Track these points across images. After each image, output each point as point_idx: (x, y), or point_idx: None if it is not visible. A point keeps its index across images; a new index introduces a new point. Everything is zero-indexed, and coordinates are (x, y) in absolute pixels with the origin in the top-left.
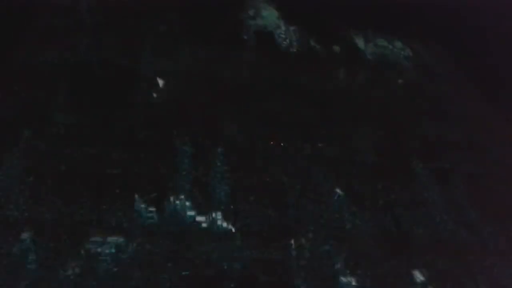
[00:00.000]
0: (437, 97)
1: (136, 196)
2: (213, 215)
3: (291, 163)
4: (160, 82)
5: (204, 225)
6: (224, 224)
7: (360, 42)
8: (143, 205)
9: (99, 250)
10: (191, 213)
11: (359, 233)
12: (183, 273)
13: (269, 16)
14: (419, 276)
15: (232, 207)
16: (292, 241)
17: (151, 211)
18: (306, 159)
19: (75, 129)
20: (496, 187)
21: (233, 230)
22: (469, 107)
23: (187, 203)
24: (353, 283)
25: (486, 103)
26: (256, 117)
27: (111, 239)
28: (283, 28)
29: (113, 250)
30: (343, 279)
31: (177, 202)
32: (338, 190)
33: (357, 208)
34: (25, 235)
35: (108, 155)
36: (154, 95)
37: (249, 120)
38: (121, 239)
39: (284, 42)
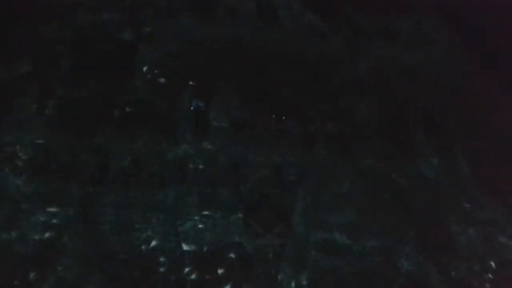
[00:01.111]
0: (437, 70)
1: None
2: None
3: (290, 137)
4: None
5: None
6: None
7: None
8: None
9: None
10: None
11: (357, 202)
12: None
13: None
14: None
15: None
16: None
17: None
18: (306, 133)
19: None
20: (497, 160)
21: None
22: (469, 80)
23: None
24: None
25: (487, 76)
26: (256, 90)
27: None
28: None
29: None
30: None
31: None
32: None
33: (358, 180)
34: None
35: (108, 129)
36: (155, 71)
37: (248, 94)
38: None
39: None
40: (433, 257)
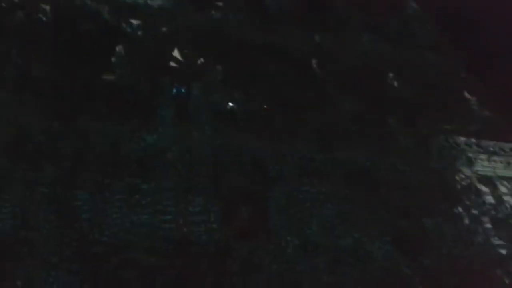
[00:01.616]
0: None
1: None
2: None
3: (275, 128)
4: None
5: None
6: None
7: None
8: None
9: None
10: None
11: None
12: None
13: None
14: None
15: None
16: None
17: None
18: (288, 123)
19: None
20: None
21: None
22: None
23: None
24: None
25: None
26: (240, 79)
27: None
28: None
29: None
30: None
31: None
32: None
33: (336, 171)
34: None
35: (91, 107)
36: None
37: (231, 82)
38: None
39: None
40: (408, 251)
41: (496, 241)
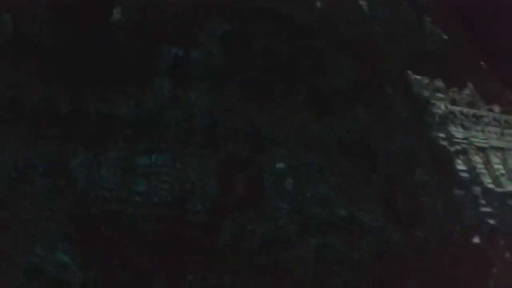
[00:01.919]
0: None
1: None
2: None
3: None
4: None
5: None
6: None
7: None
8: None
9: None
10: None
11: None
12: None
13: None
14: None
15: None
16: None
17: None
18: (284, 89)
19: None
20: None
21: None
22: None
23: None
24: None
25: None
26: (239, 44)
27: None
28: None
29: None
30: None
31: None
32: None
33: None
34: None
35: (87, 71)
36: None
37: (229, 46)
38: None
39: None
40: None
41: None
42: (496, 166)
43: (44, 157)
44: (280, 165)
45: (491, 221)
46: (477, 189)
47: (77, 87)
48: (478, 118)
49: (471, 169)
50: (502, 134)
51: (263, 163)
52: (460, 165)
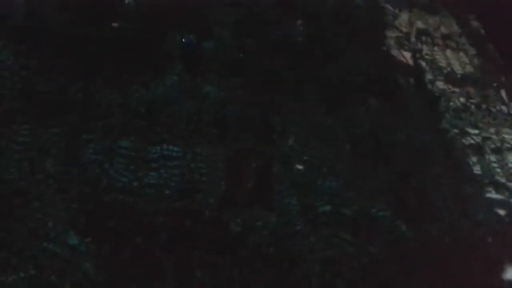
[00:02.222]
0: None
1: None
2: None
3: (282, 81)
4: None
5: None
6: None
7: None
8: None
9: None
10: None
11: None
12: None
13: None
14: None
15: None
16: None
17: None
18: (297, 78)
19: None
20: None
21: None
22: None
23: None
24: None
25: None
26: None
27: None
28: None
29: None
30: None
31: None
32: None
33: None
34: None
35: (99, 59)
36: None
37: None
38: None
39: None
40: (408, 216)
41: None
42: (510, 163)
43: (56, 146)
44: (291, 160)
45: (503, 216)
46: (489, 184)
47: (88, 75)
48: (492, 113)
49: (484, 164)
50: None
51: (273, 155)
52: (473, 160)
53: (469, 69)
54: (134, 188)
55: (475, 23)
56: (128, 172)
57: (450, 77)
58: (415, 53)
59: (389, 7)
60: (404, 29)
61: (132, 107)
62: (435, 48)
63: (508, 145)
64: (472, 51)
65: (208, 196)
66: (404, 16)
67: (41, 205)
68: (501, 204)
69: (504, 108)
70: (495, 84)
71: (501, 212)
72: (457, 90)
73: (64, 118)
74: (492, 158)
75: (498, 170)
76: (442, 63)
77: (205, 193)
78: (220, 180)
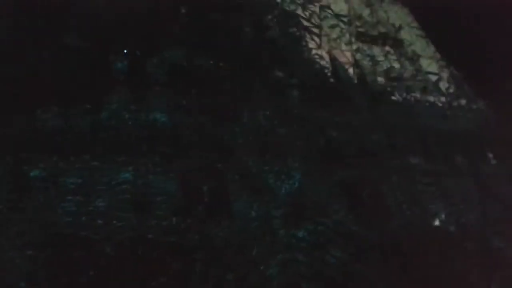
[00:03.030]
0: None
1: None
2: None
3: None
4: None
5: None
6: None
7: None
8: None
9: None
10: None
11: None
12: None
13: None
14: None
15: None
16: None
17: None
18: (251, 81)
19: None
20: None
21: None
22: None
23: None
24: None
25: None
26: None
27: None
28: None
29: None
30: None
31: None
32: None
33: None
34: None
35: (43, 71)
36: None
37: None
38: None
39: None
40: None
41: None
42: None
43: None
44: (244, 172)
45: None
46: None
47: (30, 99)
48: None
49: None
50: None
51: (227, 171)
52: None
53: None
54: (84, 219)
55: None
56: (76, 203)
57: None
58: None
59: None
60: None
61: (77, 132)
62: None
63: None
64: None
65: (162, 218)
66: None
67: None
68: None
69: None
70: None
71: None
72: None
73: (5, 147)
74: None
75: None
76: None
77: (159, 218)
78: (174, 200)
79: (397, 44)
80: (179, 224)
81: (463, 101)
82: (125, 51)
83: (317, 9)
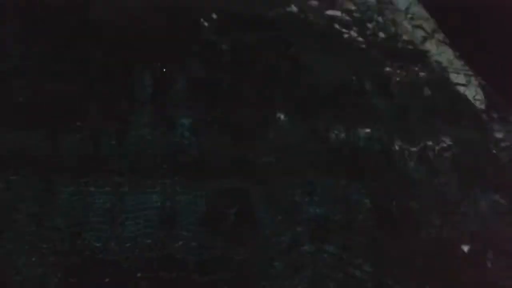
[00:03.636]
0: None
1: None
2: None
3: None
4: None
5: None
6: None
7: None
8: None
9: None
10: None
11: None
12: None
13: None
14: None
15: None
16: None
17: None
18: (267, 94)
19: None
20: None
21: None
22: None
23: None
24: None
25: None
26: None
27: None
28: None
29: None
30: None
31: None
32: None
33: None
34: None
35: (65, 86)
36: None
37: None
38: None
39: None
40: (387, 226)
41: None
42: None
43: (29, 197)
44: (269, 190)
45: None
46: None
47: (50, 126)
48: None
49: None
50: None
51: (253, 189)
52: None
53: None
54: (112, 243)
55: None
56: (106, 226)
57: None
58: None
59: None
60: None
61: (104, 156)
62: None
63: None
64: None
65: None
66: None
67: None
68: None
69: None
70: None
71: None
72: None
73: (33, 169)
74: None
75: None
76: None
77: (186, 238)
78: (200, 220)
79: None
80: (205, 243)
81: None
82: (149, 70)
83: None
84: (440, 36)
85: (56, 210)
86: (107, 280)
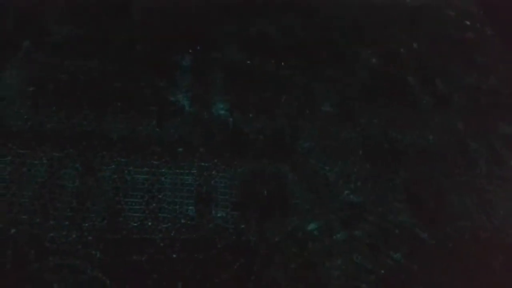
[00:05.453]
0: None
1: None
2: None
3: (289, 82)
4: None
5: None
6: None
7: None
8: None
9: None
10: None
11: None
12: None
13: None
14: None
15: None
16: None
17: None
18: (304, 78)
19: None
20: None
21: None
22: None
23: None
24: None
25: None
26: (255, 36)
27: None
28: None
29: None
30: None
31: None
32: None
33: (351, 125)
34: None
35: (108, 68)
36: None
37: (248, 39)
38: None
39: None
40: (422, 214)
41: None
42: None
43: (71, 175)
44: (304, 172)
45: None
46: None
47: (94, 106)
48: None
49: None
50: None
51: (287, 171)
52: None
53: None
54: (148, 225)
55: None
56: (142, 207)
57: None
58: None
59: None
60: None
61: (142, 138)
62: None
63: None
64: None
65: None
66: None
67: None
68: None
69: None
70: None
71: None
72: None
73: (76, 151)
74: None
75: None
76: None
77: (220, 219)
78: (234, 201)
79: None
80: (239, 224)
81: None
82: (189, 50)
83: None
84: None
85: (96, 188)
86: (143, 258)
